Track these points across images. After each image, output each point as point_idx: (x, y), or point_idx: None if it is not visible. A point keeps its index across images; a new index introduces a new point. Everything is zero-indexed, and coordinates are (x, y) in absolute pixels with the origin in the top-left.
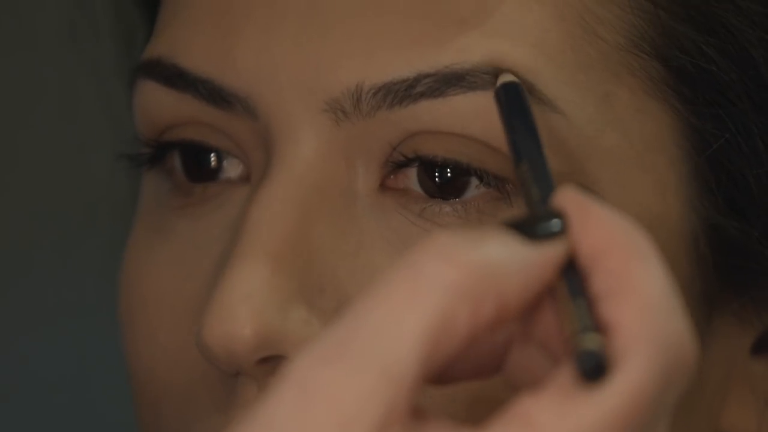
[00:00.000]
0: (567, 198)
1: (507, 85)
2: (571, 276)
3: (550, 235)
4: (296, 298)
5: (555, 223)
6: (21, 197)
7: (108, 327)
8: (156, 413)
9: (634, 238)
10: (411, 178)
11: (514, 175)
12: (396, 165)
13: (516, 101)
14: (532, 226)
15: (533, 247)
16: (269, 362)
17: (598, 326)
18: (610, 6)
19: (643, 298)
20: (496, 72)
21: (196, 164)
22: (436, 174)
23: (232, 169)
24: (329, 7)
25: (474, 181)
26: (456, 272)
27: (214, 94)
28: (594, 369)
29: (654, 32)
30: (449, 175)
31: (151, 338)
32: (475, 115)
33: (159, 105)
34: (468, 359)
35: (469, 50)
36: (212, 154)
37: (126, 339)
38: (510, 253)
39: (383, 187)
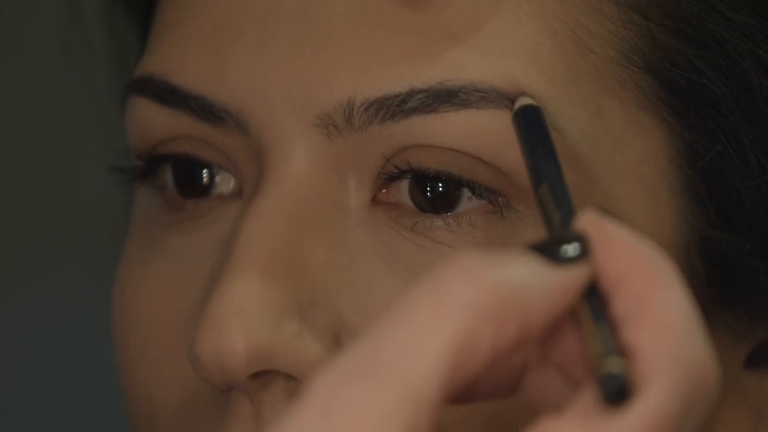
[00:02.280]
0: (588, 221)
1: (525, 108)
2: (594, 299)
3: (573, 259)
4: (288, 312)
5: (577, 246)
6: (14, 212)
7: (103, 342)
8: (150, 428)
9: (656, 262)
10: (403, 192)
11: (509, 190)
12: (388, 177)
13: (534, 124)
14: (555, 248)
15: (557, 269)
16: (262, 377)
17: (620, 350)
18: (601, 20)
19: (665, 323)
20: (493, 91)
21: (188, 180)
22: (428, 188)
23: (224, 184)
24: (320, 22)
25: (466, 194)
26: (480, 293)
27: (206, 110)
28: (617, 392)
29: (645, 46)
30: (441, 188)
31: (144, 354)
32: (467, 133)
33: (151, 121)
34: (487, 379)
35: (461, 66)
36: (204, 170)
37: (119, 354)
38: (534, 275)
39: (375, 201)
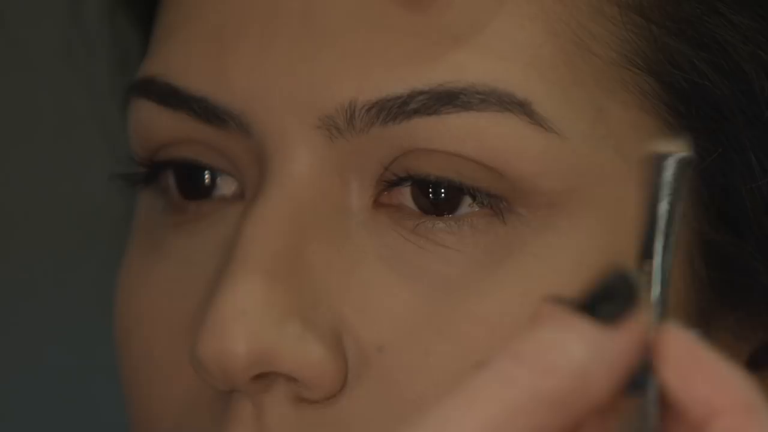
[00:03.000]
0: (679, 339)
1: (675, 160)
2: None
3: (624, 314)
4: (290, 314)
5: (629, 299)
6: (17, 214)
7: (106, 343)
8: (152, 430)
9: (752, 397)
10: (405, 194)
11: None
12: (389, 184)
13: (676, 181)
14: (605, 304)
15: (613, 333)
16: (264, 379)
17: None
18: (602, 21)
19: None
20: (494, 93)
21: (191, 182)
22: (430, 191)
23: (226, 186)
24: (322, 24)
25: (467, 200)
26: (549, 381)
27: (208, 113)
28: None
29: (647, 47)
30: (443, 192)
31: (146, 355)
32: (468, 136)
33: (153, 123)
34: None
35: (462, 68)
36: (206, 172)
37: (121, 356)
38: (594, 347)
39: (377, 203)
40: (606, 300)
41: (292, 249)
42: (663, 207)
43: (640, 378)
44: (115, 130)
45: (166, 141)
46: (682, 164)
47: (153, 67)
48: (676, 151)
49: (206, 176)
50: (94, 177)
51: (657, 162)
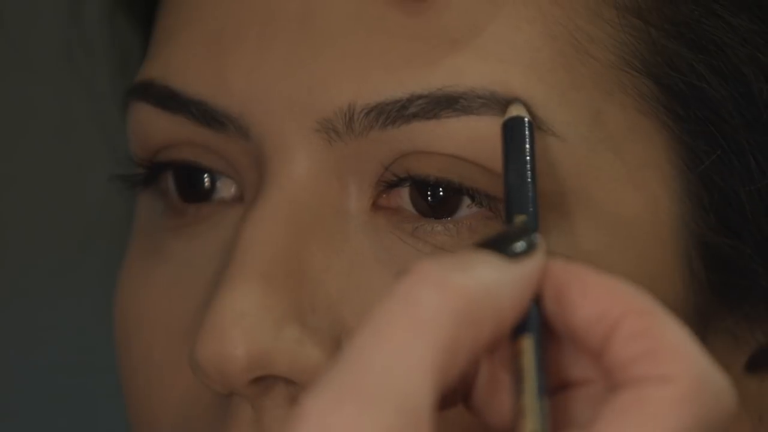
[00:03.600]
0: (560, 267)
1: (514, 120)
2: (540, 372)
3: (528, 251)
4: (288, 317)
5: (529, 239)
6: (16, 217)
7: (105, 346)
8: None
9: (645, 298)
10: (403, 197)
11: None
12: (388, 185)
13: (520, 137)
14: (509, 244)
15: (517, 264)
16: (262, 382)
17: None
18: (600, 24)
19: (686, 352)
20: (494, 97)
21: (190, 185)
22: (429, 193)
23: (226, 189)
24: (321, 27)
25: (466, 201)
26: (453, 298)
27: (207, 116)
28: None
29: (645, 50)
30: (441, 194)
31: (146, 358)
32: (468, 140)
33: (152, 126)
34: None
35: (461, 72)
36: (205, 175)
37: (121, 359)
38: (499, 272)
39: (375, 206)
40: (508, 241)
41: (291, 252)
42: (516, 157)
43: (527, 323)
44: (115, 132)
45: (165, 143)
46: (528, 125)
47: (152, 70)
48: (521, 115)
49: (206, 179)
50: (94, 178)
51: (504, 126)
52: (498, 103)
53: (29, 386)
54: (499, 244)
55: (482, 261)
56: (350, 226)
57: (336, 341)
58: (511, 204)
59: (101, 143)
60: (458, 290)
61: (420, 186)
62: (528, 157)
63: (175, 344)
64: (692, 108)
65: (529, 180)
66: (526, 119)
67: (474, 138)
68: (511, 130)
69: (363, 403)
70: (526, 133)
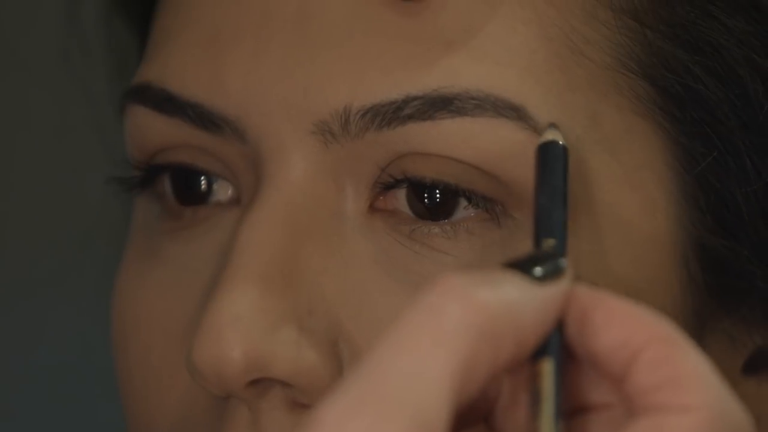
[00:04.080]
0: (585, 294)
1: (549, 144)
2: (558, 392)
3: (556, 274)
4: (285, 319)
5: (556, 263)
6: (14, 220)
7: (103, 349)
8: None
9: (668, 327)
10: (400, 199)
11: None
12: (385, 186)
13: (555, 161)
14: (537, 266)
15: (543, 286)
16: (259, 384)
17: None
18: (596, 25)
19: (706, 383)
20: (488, 99)
21: (186, 187)
22: (425, 195)
23: (222, 191)
24: (317, 29)
25: (463, 202)
26: (477, 314)
27: (204, 118)
28: None
29: (641, 51)
30: (438, 196)
31: (143, 361)
32: (463, 141)
33: (149, 129)
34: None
35: (457, 73)
36: (202, 177)
37: (118, 362)
38: (524, 292)
39: (372, 208)
40: (535, 263)
41: (288, 254)
42: (555, 186)
43: (548, 345)
44: (112, 135)
45: (162, 146)
46: (563, 150)
47: (149, 72)
48: (556, 139)
49: (202, 181)
50: (92, 182)
51: (539, 150)
52: (492, 104)
53: (25, 387)
54: (526, 266)
55: (508, 280)
56: (347, 228)
57: (333, 343)
58: (541, 226)
59: (98, 145)
60: (481, 306)
61: (417, 188)
62: (561, 182)
63: (172, 347)
64: (688, 109)
65: (561, 204)
66: (561, 144)
67: (468, 139)
68: (546, 153)
69: (380, 412)
70: (561, 157)
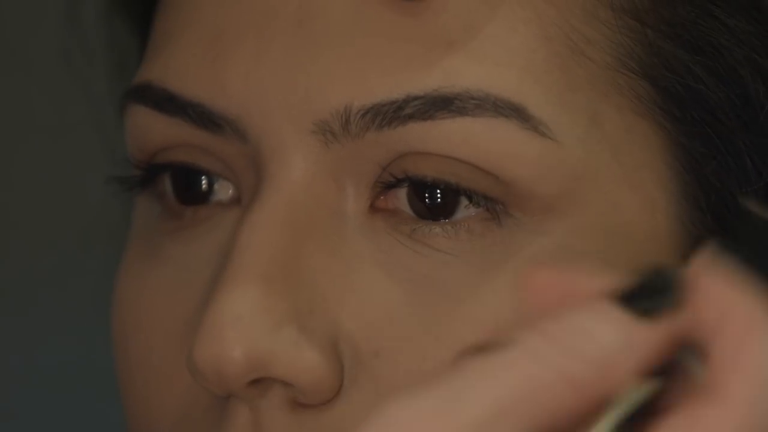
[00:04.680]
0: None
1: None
2: None
3: (659, 310)
4: (286, 319)
5: (669, 296)
6: (14, 219)
7: (103, 349)
8: None
9: (754, 309)
10: (401, 199)
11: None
12: (385, 185)
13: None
14: (644, 298)
15: (645, 324)
16: (260, 384)
17: None
18: (596, 25)
19: (760, 373)
20: (488, 98)
21: (187, 187)
22: (426, 195)
23: (223, 191)
24: (318, 30)
25: (464, 202)
26: (575, 363)
27: (204, 118)
28: None
29: (641, 51)
30: (439, 196)
31: (144, 361)
32: (463, 141)
33: (150, 129)
34: None
35: (457, 73)
36: (203, 177)
37: (119, 362)
38: (623, 338)
39: (373, 208)
40: (644, 295)
41: (288, 254)
42: None
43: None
44: (113, 134)
45: (163, 146)
46: None
47: (150, 72)
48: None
49: (203, 181)
50: (92, 180)
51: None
52: (493, 104)
53: (29, 386)
54: (634, 298)
55: (609, 324)
56: (348, 228)
57: (334, 343)
58: None
59: (99, 145)
60: (581, 357)
61: (417, 187)
62: None
63: (173, 347)
64: (689, 109)
65: None
66: None
67: (469, 139)
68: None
69: None
70: None
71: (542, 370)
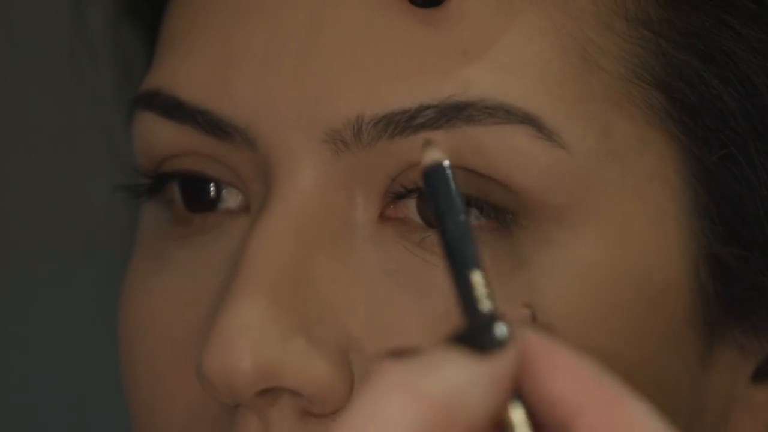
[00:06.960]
0: (532, 340)
1: (433, 167)
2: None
3: (501, 344)
4: (295, 329)
5: (501, 330)
6: (21, 225)
7: (108, 357)
8: None
9: (614, 385)
10: (410, 208)
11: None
12: (396, 195)
13: (443, 187)
14: (479, 336)
15: (488, 361)
16: (269, 394)
17: None
18: (610, 36)
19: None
20: (501, 108)
21: (195, 194)
22: None
23: (232, 199)
24: (329, 37)
25: (473, 212)
26: (420, 408)
27: (213, 125)
28: None
29: (655, 61)
30: None
31: (150, 368)
32: (475, 150)
33: (158, 136)
34: None
35: (470, 82)
36: (211, 185)
37: (125, 369)
38: (468, 373)
39: (383, 217)
40: (479, 334)
41: (297, 264)
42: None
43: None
44: (120, 140)
45: (171, 153)
46: (446, 168)
47: (157, 79)
48: (438, 159)
49: (211, 189)
50: (99, 188)
51: (430, 174)
52: (505, 113)
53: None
54: (466, 340)
55: (450, 361)
56: (357, 237)
57: (343, 353)
58: (456, 260)
59: (105, 151)
60: (425, 398)
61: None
62: (460, 203)
63: (180, 355)
64: (702, 119)
65: (468, 229)
66: (444, 163)
67: (481, 148)
68: (434, 178)
69: None
70: (448, 179)
71: (398, 426)
